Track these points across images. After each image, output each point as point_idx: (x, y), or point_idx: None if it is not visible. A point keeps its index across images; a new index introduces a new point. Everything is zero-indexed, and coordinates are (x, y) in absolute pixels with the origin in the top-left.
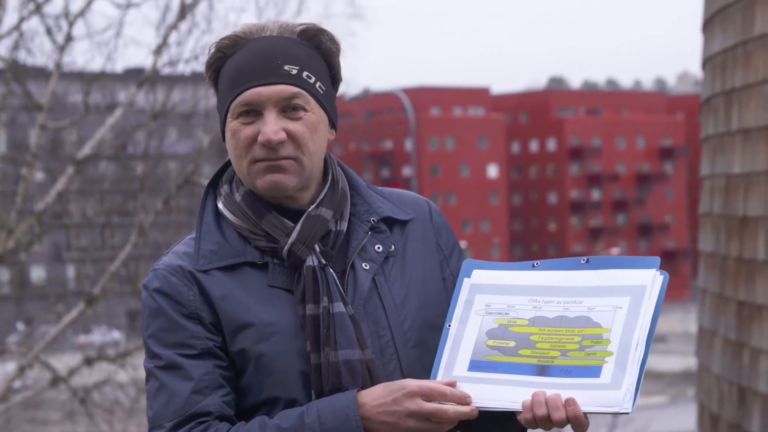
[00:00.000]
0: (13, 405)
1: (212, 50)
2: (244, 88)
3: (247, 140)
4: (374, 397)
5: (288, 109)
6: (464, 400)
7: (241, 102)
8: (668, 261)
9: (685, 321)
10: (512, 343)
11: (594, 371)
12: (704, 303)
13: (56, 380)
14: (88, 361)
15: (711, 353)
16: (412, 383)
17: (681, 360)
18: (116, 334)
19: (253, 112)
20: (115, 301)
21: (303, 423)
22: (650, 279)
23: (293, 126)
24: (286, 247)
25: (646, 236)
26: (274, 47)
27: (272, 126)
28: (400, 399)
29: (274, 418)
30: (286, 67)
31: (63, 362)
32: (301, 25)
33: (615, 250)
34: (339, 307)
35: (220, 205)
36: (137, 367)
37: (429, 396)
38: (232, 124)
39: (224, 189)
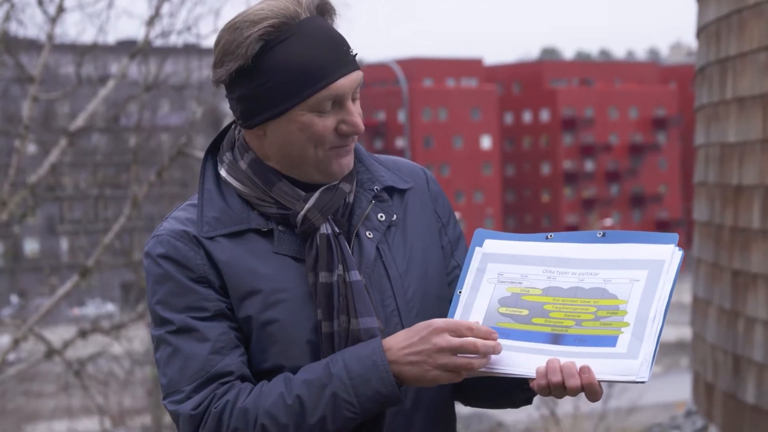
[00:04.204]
0: (7, 378)
1: (250, 41)
2: (330, 80)
3: (328, 131)
4: (399, 340)
5: (355, 93)
6: (490, 336)
7: (329, 96)
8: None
9: (679, 291)
10: (525, 312)
11: (610, 341)
12: (699, 272)
13: (50, 353)
14: (83, 334)
15: (706, 322)
16: (438, 320)
17: (674, 330)
18: (110, 307)
19: (332, 103)
20: (109, 274)
21: (330, 373)
22: (669, 254)
23: (359, 109)
24: (302, 213)
25: (640, 207)
26: (330, 31)
27: (357, 117)
28: (427, 337)
29: (298, 372)
30: (351, 51)
31: (57, 335)
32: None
33: (608, 221)
34: (355, 275)
35: (223, 173)
36: (132, 339)
37: (456, 331)
38: (304, 117)
39: (227, 156)
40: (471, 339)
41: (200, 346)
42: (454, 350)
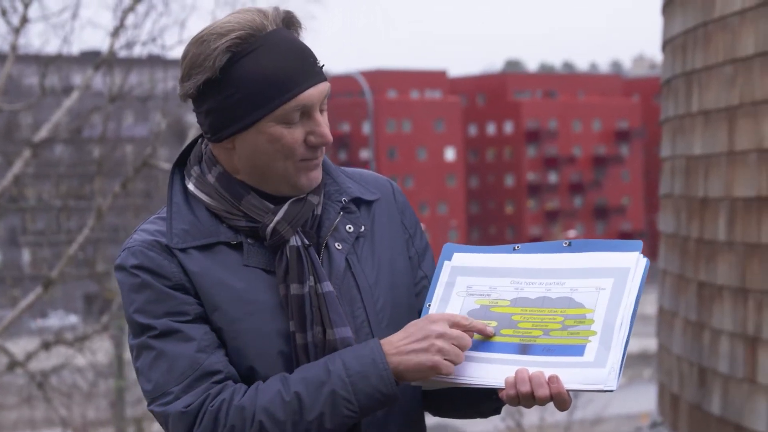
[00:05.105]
0: None
1: (217, 52)
2: (297, 91)
3: (297, 143)
4: (398, 336)
5: (323, 104)
6: (485, 329)
7: (297, 107)
8: None
9: (642, 302)
10: (494, 323)
11: (577, 350)
12: (665, 284)
13: (13, 365)
14: (46, 346)
15: (671, 334)
16: (434, 314)
17: (638, 341)
18: (73, 318)
19: (300, 114)
20: (72, 285)
21: (328, 371)
22: (634, 262)
23: (326, 121)
24: (271, 225)
25: (603, 219)
26: (296, 42)
27: (326, 128)
28: (425, 326)
29: (295, 371)
30: (318, 62)
31: (20, 347)
32: (278, 13)
33: (572, 233)
34: (327, 286)
35: (191, 186)
36: (95, 351)
37: (452, 321)
38: (273, 128)
39: (195, 170)
40: (466, 333)
41: (186, 346)
42: (452, 338)
